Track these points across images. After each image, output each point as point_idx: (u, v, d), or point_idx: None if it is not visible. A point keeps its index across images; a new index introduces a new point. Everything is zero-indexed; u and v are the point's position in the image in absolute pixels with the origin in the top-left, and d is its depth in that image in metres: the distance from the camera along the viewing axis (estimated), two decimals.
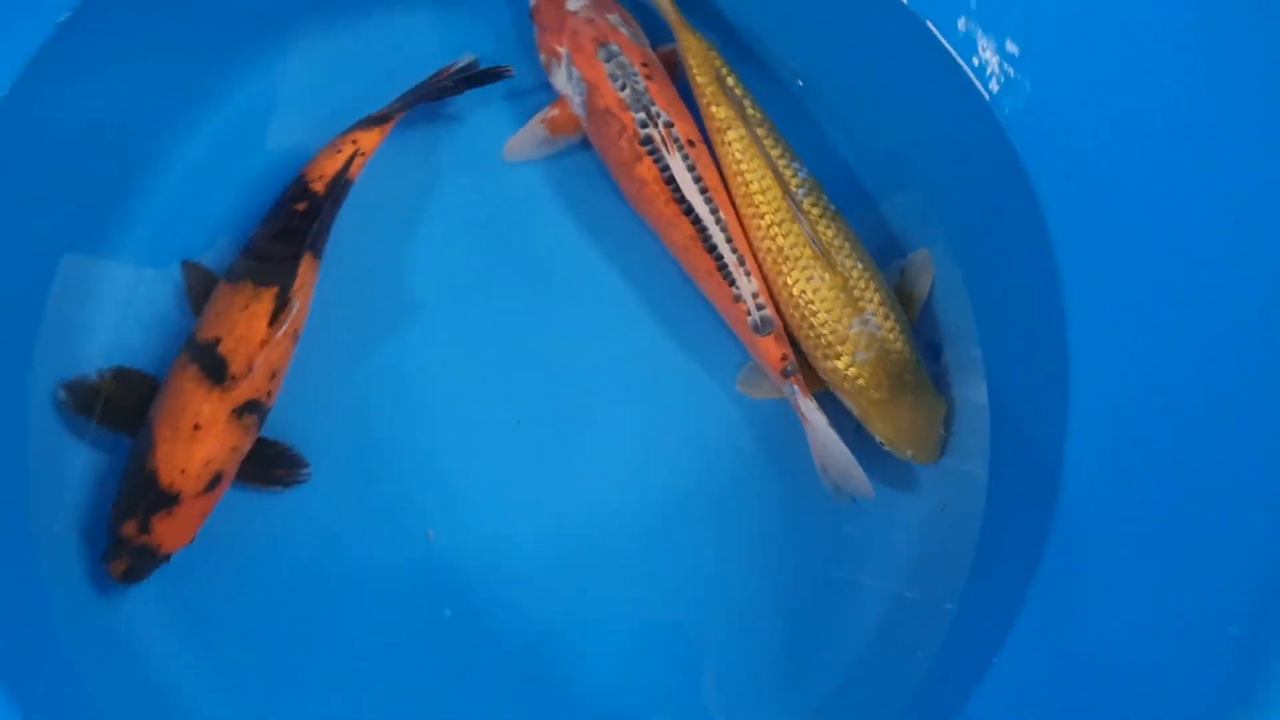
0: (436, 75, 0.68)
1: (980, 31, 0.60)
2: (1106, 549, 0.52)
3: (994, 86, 0.61)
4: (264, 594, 0.63)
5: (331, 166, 0.64)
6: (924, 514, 0.64)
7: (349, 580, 0.63)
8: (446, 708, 0.62)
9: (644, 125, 0.64)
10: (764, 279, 0.64)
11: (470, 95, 0.68)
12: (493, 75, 0.67)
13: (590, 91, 0.65)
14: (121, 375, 0.63)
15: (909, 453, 0.64)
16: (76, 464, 0.62)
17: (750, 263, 0.64)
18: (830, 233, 0.64)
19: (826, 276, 0.63)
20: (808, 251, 0.63)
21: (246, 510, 0.63)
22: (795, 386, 0.63)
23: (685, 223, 0.63)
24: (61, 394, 0.62)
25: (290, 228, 0.63)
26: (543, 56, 0.67)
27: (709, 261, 0.63)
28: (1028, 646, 0.53)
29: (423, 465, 0.65)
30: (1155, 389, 0.54)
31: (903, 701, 0.59)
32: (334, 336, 0.65)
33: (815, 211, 0.64)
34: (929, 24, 0.62)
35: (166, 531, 0.60)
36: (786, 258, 0.64)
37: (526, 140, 0.68)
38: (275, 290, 0.61)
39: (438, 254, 0.67)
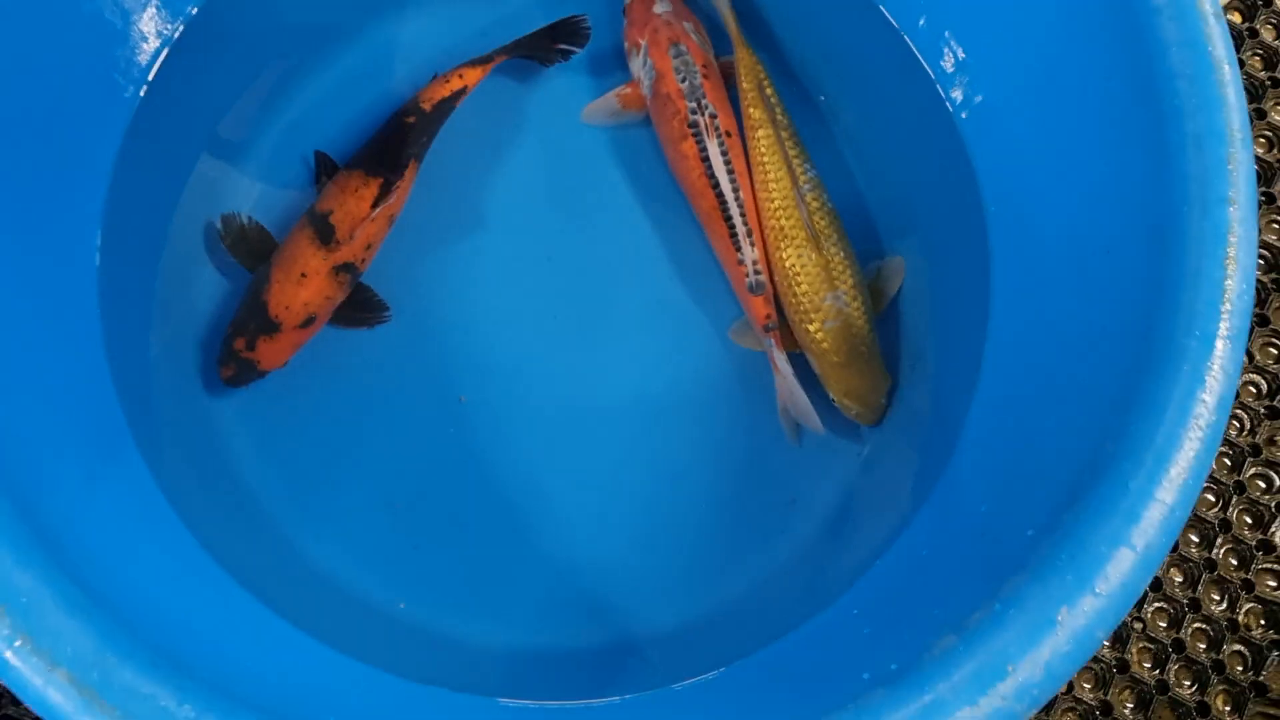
0: (537, 32, 0.81)
1: (967, 81, 0.75)
2: (972, 489, 0.66)
3: (971, 128, 0.75)
4: (326, 412, 0.77)
5: (439, 93, 0.78)
6: (858, 462, 0.78)
7: (392, 415, 0.77)
8: (449, 517, 0.76)
9: (693, 113, 0.78)
10: (765, 251, 0.79)
11: (559, 64, 0.82)
12: (573, 31, 0.81)
13: (657, 79, 0.80)
14: (257, 227, 0.77)
15: (854, 411, 0.77)
16: (203, 294, 0.78)
17: (756, 236, 0.78)
18: (823, 223, 0.78)
19: (813, 256, 0.77)
20: (802, 234, 0.77)
21: (327, 348, 0.78)
22: (772, 341, 0.77)
23: (711, 194, 0.78)
24: (217, 223, 0.76)
25: (400, 135, 0.77)
26: (626, 44, 0.82)
27: (724, 229, 0.78)
28: (904, 554, 0.68)
29: (468, 342, 0.79)
30: (1035, 389, 0.67)
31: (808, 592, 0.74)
32: (419, 228, 0.80)
33: (815, 204, 0.78)
34: (929, 74, 0.77)
35: (266, 352, 0.74)
36: (785, 236, 0.78)
37: (601, 108, 0.83)
38: (381, 181, 0.76)
39: (510, 179, 0.81)
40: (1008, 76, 0.71)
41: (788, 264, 0.77)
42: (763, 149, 0.79)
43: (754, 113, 0.79)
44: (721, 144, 0.78)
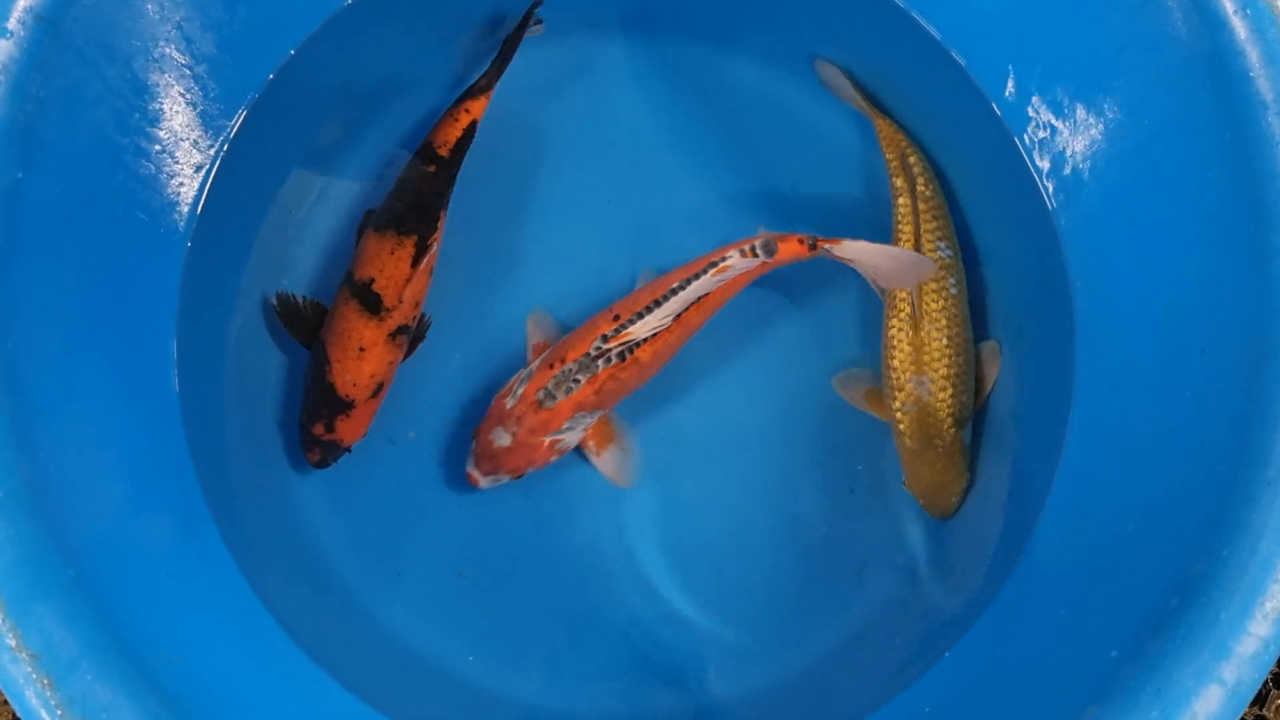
0: (510, 35, 0.77)
1: (1056, 156, 0.73)
2: (1051, 586, 0.65)
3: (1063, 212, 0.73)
4: (400, 484, 0.77)
5: (453, 134, 0.75)
6: (932, 535, 0.77)
7: (463, 483, 0.76)
8: (519, 583, 0.77)
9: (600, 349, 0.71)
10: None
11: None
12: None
13: (565, 393, 0.72)
14: (314, 305, 0.76)
15: (920, 501, 0.76)
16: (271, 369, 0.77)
17: None
18: (935, 305, 0.74)
19: (910, 334, 0.74)
20: (908, 309, 0.75)
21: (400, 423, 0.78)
22: (828, 246, 0.72)
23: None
24: (273, 301, 0.75)
25: (425, 187, 0.74)
26: (553, 459, 0.75)
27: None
28: (978, 647, 0.67)
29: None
30: (1119, 487, 0.65)
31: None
32: (454, 273, 0.78)
33: (933, 285, 0.75)
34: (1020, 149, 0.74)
35: (346, 429, 0.74)
36: (894, 307, 0.75)
37: (610, 463, 0.77)
38: (415, 238, 0.73)
39: (555, 225, 0.81)
40: (1101, 159, 0.69)
41: (890, 334, 0.75)
42: (900, 215, 0.77)
43: (895, 180, 0.77)
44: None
